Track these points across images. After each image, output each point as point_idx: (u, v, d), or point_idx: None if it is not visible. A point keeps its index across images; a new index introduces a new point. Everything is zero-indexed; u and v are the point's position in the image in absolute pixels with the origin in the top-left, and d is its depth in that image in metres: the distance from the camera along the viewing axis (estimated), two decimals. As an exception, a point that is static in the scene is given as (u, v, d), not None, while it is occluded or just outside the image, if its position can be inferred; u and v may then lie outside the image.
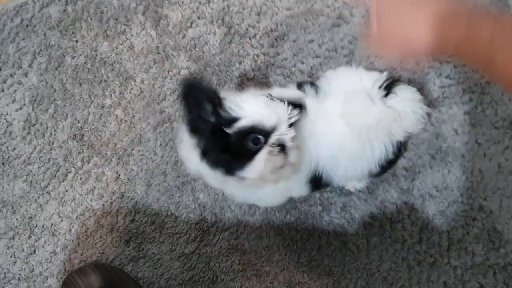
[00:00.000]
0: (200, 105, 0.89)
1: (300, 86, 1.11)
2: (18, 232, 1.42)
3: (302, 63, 1.46)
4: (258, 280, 1.34)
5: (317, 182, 1.09)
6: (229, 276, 1.35)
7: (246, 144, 0.89)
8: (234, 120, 0.87)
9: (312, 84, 1.10)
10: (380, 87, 1.07)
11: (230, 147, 0.89)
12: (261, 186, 1.02)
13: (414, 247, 1.32)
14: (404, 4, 0.72)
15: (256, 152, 0.90)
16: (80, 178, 1.44)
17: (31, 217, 1.43)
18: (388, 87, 1.07)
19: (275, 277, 1.34)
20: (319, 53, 1.47)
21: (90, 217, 1.41)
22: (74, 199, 1.43)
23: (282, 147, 0.91)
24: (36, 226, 1.42)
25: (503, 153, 1.36)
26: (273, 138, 0.90)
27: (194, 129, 0.92)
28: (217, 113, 0.88)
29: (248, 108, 0.88)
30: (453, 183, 1.35)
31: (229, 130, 0.88)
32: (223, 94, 0.92)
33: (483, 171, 1.35)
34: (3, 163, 1.47)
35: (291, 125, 0.92)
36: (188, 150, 0.97)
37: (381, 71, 1.12)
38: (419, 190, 1.35)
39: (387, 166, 1.12)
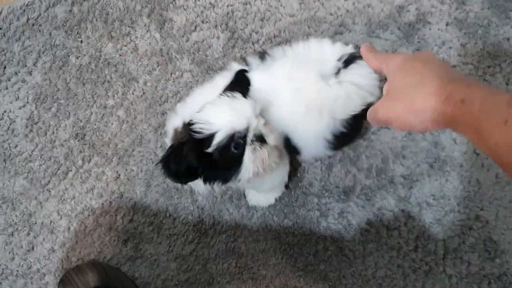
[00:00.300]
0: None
1: (262, 57, 1.14)
2: (17, 228, 1.44)
3: (304, 69, 1.48)
4: (254, 283, 1.36)
5: (290, 147, 1.10)
6: (225, 278, 1.36)
7: (230, 153, 0.92)
8: (210, 137, 0.90)
9: (262, 54, 1.13)
10: (339, 60, 1.08)
11: (218, 161, 0.92)
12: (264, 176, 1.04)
13: (410, 255, 1.33)
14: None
15: (241, 154, 0.93)
16: (81, 177, 1.46)
17: (30, 214, 1.44)
18: (348, 62, 1.08)
19: (271, 281, 1.35)
20: (321, 59, 1.49)
21: (89, 215, 1.43)
22: (73, 197, 1.45)
23: (261, 138, 0.94)
24: (35, 223, 1.44)
25: (500, 164, 1.37)
26: (250, 136, 0.93)
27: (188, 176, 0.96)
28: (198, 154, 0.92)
29: (217, 121, 0.90)
30: (450, 192, 1.36)
31: (210, 150, 0.91)
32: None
33: (481, 181, 1.36)
34: (4, 160, 1.49)
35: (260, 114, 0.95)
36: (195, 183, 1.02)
37: (347, 44, 1.14)
38: (417, 198, 1.37)
39: (343, 138, 1.12)
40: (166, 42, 1.55)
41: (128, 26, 1.57)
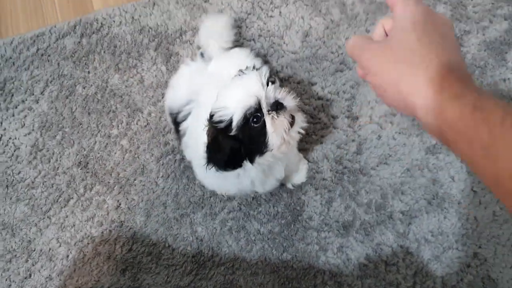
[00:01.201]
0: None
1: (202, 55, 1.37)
2: (15, 255, 1.46)
3: (305, 104, 1.54)
4: (251, 317, 1.37)
5: None
6: (222, 311, 1.38)
7: (252, 129, 0.98)
8: (230, 122, 0.97)
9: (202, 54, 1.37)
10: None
11: (244, 140, 0.99)
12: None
13: (409, 291, 1.35)
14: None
15: (263, 126, 0.99)
16: (82, 204, 1.50)
17: (30, 240, 1.47)
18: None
19: (269, 315, 1.37)
20: (322, 95, 1.55)
21: (88, 244, 1.46)
22: (74, 225, 1.48)
23: (278, 105, 1.00)
24: (34, 250, 1.46)
25: (498, 202, 1.41)
26: (264, 107, 0.99)
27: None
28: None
29: (230, 104, 0.97)
30: (449, 229, 1.40)
31: (233, 133, 0.97)
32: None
33: (478, 219, 1.40)
34: (7, 186, 1.53)
35: (271, 81, 1.01)
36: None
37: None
38: (415, 234, 1.40)
39: None
40: (172, 75, 1.61)
41: (135, 59, 1.65)
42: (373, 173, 1.47)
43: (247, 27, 1.66)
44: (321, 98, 1.55)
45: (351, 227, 1.42)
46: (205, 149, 1.03)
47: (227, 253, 1.42)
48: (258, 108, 0.98)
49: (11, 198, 1.52)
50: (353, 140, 1.51)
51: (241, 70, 1.04)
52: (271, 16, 1.69)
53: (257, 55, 1.52)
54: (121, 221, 1.47)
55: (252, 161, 1.05)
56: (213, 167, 1.04)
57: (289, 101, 1.02)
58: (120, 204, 1.49)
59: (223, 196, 1.46)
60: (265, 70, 1.04)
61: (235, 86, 1.01)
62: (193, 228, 1.46)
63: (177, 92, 1.27)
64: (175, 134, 1.27)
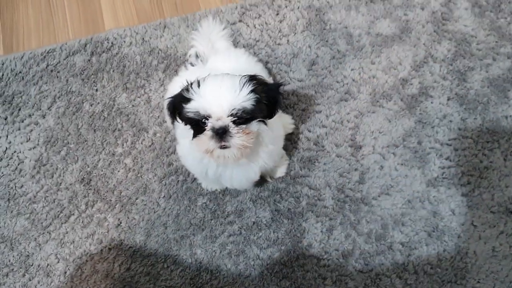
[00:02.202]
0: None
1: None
2: (13, 269, 1.48)
3: (309, 131, 1.59)
4: None
5: None
6: (218, 335, 1.39)
7: (193, 120, 1.12)
8: (189, 100, 1.11)
9: (196, 56, 1.51)
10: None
11: (188, 120, 1.15)
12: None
13: (406, 324, 1.37)
14: None
15: (201, 129, 1.12)
16: (82, 221, 1.53)
17: (28, 255, 1.49)
18: None
19: None
20: (326, 123, 1.60)
21: (87, 261, 1.48)
22: (73, 241, 1.50)
23: (222, 133, 1.09)
24: (32, 265, 1.48)
25: (498, 237, 1.45)
26: (211, 123, 1.10)
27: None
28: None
29: (202, 93, 1.09)
30: (448, 262, 1.42)
31: (184, 108, 1.12)
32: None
33: (478, 254, 1.43)
34: (8, 199, 1.56)
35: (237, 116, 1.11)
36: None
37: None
38: (414, 266, 1.42)
39: None
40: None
41: (144, 79, 1.70)
42: (375, 203, 1.51)
43: (255, 53, 1.72)
44: (325, 126, 1.60)
45: (351, 256, 1.45)
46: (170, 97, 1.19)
47: (226, 277, 1.45)
48: (207, 118, 1.09)
49: (12, 212, 1.55)
50: (355, 169, 1.55)
51: (246, 77, 1.12)
52: (279, 44, 1.75)
53: (260, 60, 1.63)
54: (121, 240, 1.50)
55: (193, 136, 1.17)
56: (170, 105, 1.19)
57: (234, 141, 1.11)
58: (120, 223, 1.52)
59: (207, 189, 1.55)
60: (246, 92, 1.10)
61: (219, 84, 1.09)
62: (193, 250, 1.48)
63: (177, 88, 1.34)
64: (169, 118, 1.37)
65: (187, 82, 1.13)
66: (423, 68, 1.69)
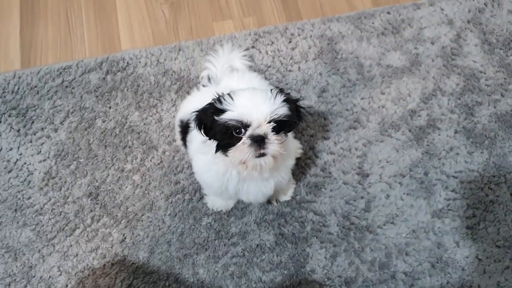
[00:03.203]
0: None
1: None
2: (15, 279, 1.51)
3: (317, 156, 1.64)
4: None
5: None
6: None
7: (228, 132, 1.16)
8: (224, 111, 1.14)
9: (208, 78, 1.58)
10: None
11: (218, 132, 1.17)
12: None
13: None
14: None
15: (237, 139, 1.15)
16: (87, 235, 1.56)
17: (31, 266, 1.52)
18: None
19: None
20: (334, 150, 1.65)
21: (89, 275, 1.51)
22: (77, 255, 1.54)
23: (260, 140, 1.13)
24: (34, 277, 1.51)
25: (503, 272, 1.47)
26: (249, 132, 1.13)
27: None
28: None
29: (238, 103, 1.14)
30: (451, 295, 1.44)
31: (218, 119, 1.14)
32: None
33: None
34: (15, 210, 1.60)
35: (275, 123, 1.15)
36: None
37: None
38: (417, 297, 1.44)
39: None
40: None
41: (156, 99, 1.77)
42: (380, 232, 1.53)
43: (266, 78, 1.79)
44: (333, 153, 1.65)
45: (354, 284, 1.47)
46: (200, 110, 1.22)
47: (227, 299, 1.47)
48: (245, 127, 1.13)
49: (18, 222, 1.59)
50: (362, 197, 1.59)
51: (276, 90, 1.18)
52: (290, 70, 1.82)
53: (271, 84, 1.71)
54: (124, 255, 1.53)
55: (216, 150, 1.20)
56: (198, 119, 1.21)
57: (273, 147, 1.15)
58: (125, 238, 1.55)
59: (220, 210, 1.58)
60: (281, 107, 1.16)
61: (255, 97, 1.15)
62: (195, 269, 1.51)
63: (189, 107, 1.39)
64: (179, 136, 1.46)
65: (218, 95, 1.18)
66: (431, 100, 1.75)
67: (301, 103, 1.25)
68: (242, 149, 1.15)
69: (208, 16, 1.97)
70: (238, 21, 1.96)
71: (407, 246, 1.51)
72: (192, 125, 1.36)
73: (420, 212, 1.56)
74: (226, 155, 1.18)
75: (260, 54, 1.86)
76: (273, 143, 1.14)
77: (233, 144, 1.16)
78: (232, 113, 1.13)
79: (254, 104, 1.13)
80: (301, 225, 1.56)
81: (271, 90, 1.17)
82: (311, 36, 1.89)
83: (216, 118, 1.15)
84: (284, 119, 1.14)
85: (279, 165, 1.29)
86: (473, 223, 1.54)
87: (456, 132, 1.69)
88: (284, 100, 1.16)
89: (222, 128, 1.15)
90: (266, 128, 1.13)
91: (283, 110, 1.14)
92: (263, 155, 1.16)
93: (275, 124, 1.14)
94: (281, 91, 1.18)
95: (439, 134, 1.69)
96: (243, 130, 1.14)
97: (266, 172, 1.24)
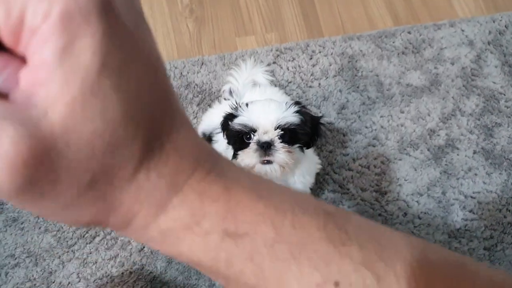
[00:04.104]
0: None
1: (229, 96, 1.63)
2: (35, 284, 1.56)
3: (335, 172, 1.67)
4: None
5: None
6: None
7: (239, 137, 1.22)
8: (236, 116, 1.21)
9: (230, 91, 1.64)
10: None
11: (231, 135, 1.25)
12: None
13: None
14: None
15: (246, 144, 1.21)
16: (107, 243, 1.61)
17: (51, 272, 1.57)
18: None
19: None
20: (352, 167, 1.69)
21: (107, 282, 1.55)
22: (96, 262, 1.58)
23: (267, 146, 1.17)
24: (54, 282, 1.56)
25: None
26: (256, 137, 1.18)
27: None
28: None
29: (251, 110, 1.20)
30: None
31: (231, 124, 1.22)
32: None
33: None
34: (38, 215, 1.65)
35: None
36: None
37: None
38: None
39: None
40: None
41: (178, 110, 1.82)
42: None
43: (286, 93, 1.83)
44: (351, 170, 1.68)
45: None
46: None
47: (242, 311, 1.49)
48: (255, 131, 1.18)
49: (40, 228, 1.64)
50: (379, 215, 1.62)
51: (293, 103, 1.23)
52: (310, 87, 1.87)
53: (293, 99, 1.79)
54: (142, 264, 1.57)
55: (234, 155, 1.25)
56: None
57: (278, 155, 1.18)
58: (143, 247, 1.59)
59: None
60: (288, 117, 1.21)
61: (263, 105, 1.20)
62: (211, 281, 1.54)
63: (211, 120, 1.46)
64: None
65: (236, 103, 1.24)
66: (450, 120, 1.78)
67: (320, 119, 1.29)
68: (248, 153, 1.19)
69: (231, 31, 2.03)
70: (261, 37, 2.02)
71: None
72: (215, 137, 1.41)
73: (437, 232, 1.59)
74: (237, 159, 1.23)
75: (281, 70, 1.91)
76: (279, 150, 1.18)
77: (243, 149, 1.21)
78: (242, 118, 1.19)
79: (264, 111, 1.19)
80: (318, 240, 1.58)
81: (286, 101, 1.22)
82: (331, 54, 1.93)
83: (230, 123, 1.22)
84: (293, 127, 1.18)
85: (293, 181, 1.33)
86: (490, 244, 1.56)
87: (475, 152, 1.72)
88: (298, 111, 1.20)
89: (234, 132, 1.21)
90: (272, 135, 1.18)
91: (292, 119, 1.18)
92: (269, 162, 1.20)
93: (282, 132, 1.18)
94: (297, 103, 1.23)
95: (457, 154, 1.71)
96: (252, 136, 1.19)
97: (274, 179, 1.28)
